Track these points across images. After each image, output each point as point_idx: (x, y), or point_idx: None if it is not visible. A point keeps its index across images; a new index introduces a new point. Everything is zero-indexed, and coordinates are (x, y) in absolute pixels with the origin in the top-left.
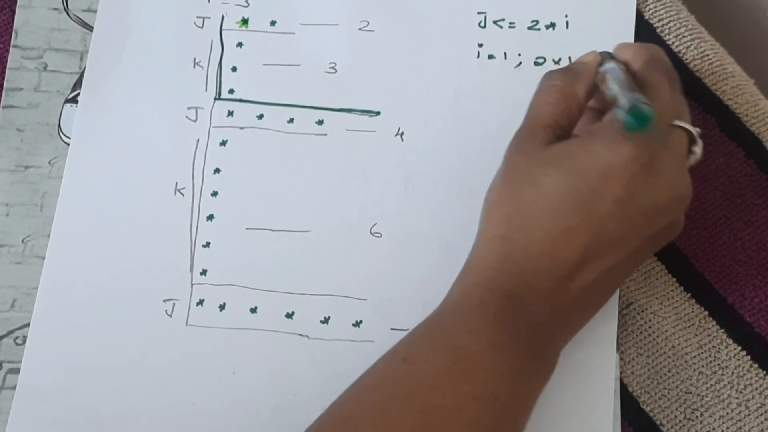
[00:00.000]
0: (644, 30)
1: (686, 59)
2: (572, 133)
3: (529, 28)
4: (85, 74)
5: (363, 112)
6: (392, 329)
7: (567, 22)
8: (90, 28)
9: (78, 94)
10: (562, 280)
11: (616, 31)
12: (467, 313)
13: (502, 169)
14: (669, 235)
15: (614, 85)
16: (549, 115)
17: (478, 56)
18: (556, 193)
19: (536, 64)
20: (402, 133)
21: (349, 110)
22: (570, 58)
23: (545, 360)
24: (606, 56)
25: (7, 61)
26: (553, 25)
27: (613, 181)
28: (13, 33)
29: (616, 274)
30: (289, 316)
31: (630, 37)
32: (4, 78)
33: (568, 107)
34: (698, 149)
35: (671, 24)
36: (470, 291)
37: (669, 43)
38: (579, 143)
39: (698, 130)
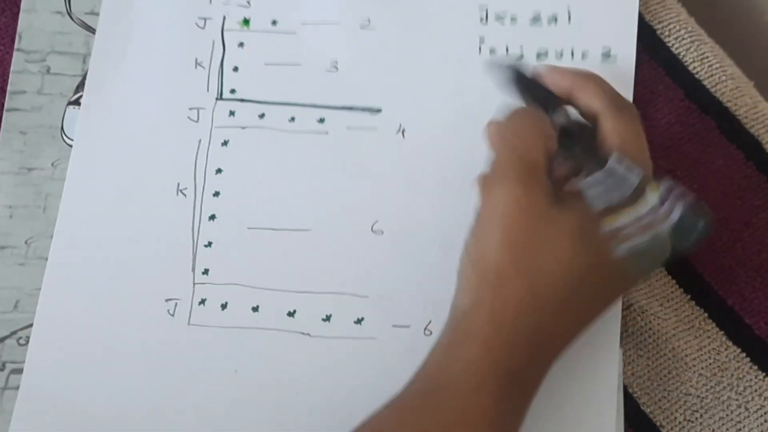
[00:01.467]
0: (644, 32)
1: (686, 61)
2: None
3: (531, 22)
4: (88, 77)
5: (364, 109)
6: (394, 326)
7: (569, 16)
8: (92, 30)
9: (81, 96)
10: (563, 344)
11: (618, 23)
12: (468, 395)
13: (497, 224)
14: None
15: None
16: (540, 150)
17: (480, 51)
18: (574, 271)
19: (538, 58)
20: (403, 130)
21: (351, 108)
22: (572, 51)
23: (523, 418)
24: (527, 97)
25: (9, 63)
26: (555, 18)
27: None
28: (17, 36)
29: (598, 316)
30: (291, 314)
31: (633, 29)
32: (6, 81)
33: (548, 146)
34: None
35: (671, 26)
36: (472, 370)
37: (669, 45)
38: (587, 212)
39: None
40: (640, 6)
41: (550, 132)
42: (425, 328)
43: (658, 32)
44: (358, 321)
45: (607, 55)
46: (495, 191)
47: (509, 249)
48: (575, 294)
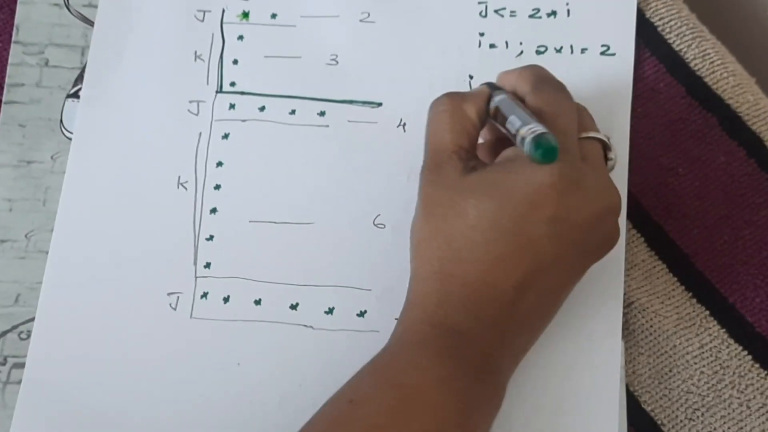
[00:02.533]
0: (645, 29)
1: (687, 58)
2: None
3: (530, 16)
4: (87, 69)
5: (365, 103)
6: (396, 319)
7: (568, 10)
8: (91, 23)
9: (80, 89)
10: (506, 305)
11: (617, 17)
12: (411, 349)
13: (420, 204)
14: (605, 246)
15: (512, 119)
16: (449, 140)
17: (480, 45)
18: (484, 222)
19: (538, 52)
20: (404, 124)
21: (351, 101)
22: (572, 47)
23: (495, 388)
24: (492, 88)
25: (7, 58)
26: (554, 13)
27: (542, 201)
28: (14, 29)
29: (557, 292)
30: (294, 307)
31: (631, 24)
32: (5, 75)
33: (464, 129)
34: (613, 155)
35: (672, 23)
36: (413, 328)
37: (670, 41)
38: (500, 169)
39: (607, 135)
40: (641, 2)
41: (467, 116)
42: None
43: (660, 29)
44: (361, 314)
45: (605, 52)
46: (420, 181)
47: (427, 220)
48: (494, 245)
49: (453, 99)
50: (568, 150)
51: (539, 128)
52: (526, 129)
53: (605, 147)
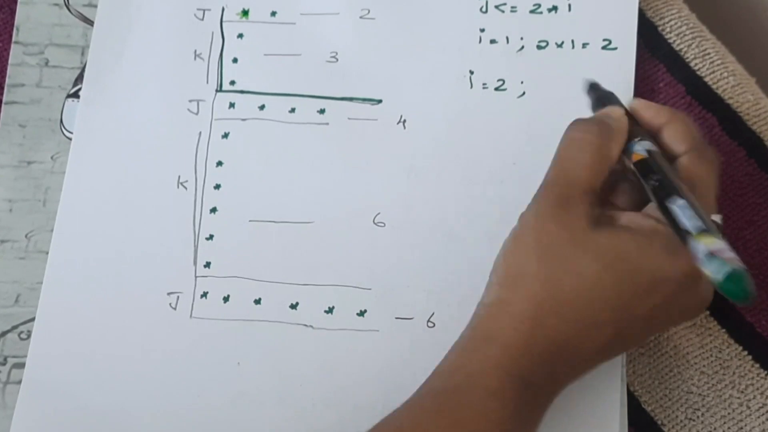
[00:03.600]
0: (646, 28)
1: (687, 58)
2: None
3: (531, 11)
4: (87, 69)
5: (365, 100)
6: (396, 318)
7: (569, 5)
8: (91, 23)
9: (80, 89)
10: (579, 365)
11: (618, 12)
12: (484, 398)
13: (534, 235)
14: (680, 323)
15: (679, 204)
16: (586, 178)
17: (480, 41)
18: (597, 289)
19: (539, 47)
20: (404, 121)
21: (351, 99)
22: (573, 41)
23: (538, 424)
24: (630, 119)
25: (7, 58)
26: (555, 8)
27: (660, 291)
28: (14, 29)
29: (624, 350)
30: (294, 306)
31: (633, 18)
32: (5, 76)
33: (604, 169)
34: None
35: (672, 22)
36: (489, 372)
37: (670, 41)
38: (632, 242)
39: (722, 217)
40: (640, 2)
41: (608, 157)
42: (428, 320)
43: (660, 28)
44: (361, 313)
45: (607, 46)
46: (537, 203)
47: (537, 258)
48: (597, 313)
49: (602, 131)
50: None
51: (728, 253)
52: (708, 240)
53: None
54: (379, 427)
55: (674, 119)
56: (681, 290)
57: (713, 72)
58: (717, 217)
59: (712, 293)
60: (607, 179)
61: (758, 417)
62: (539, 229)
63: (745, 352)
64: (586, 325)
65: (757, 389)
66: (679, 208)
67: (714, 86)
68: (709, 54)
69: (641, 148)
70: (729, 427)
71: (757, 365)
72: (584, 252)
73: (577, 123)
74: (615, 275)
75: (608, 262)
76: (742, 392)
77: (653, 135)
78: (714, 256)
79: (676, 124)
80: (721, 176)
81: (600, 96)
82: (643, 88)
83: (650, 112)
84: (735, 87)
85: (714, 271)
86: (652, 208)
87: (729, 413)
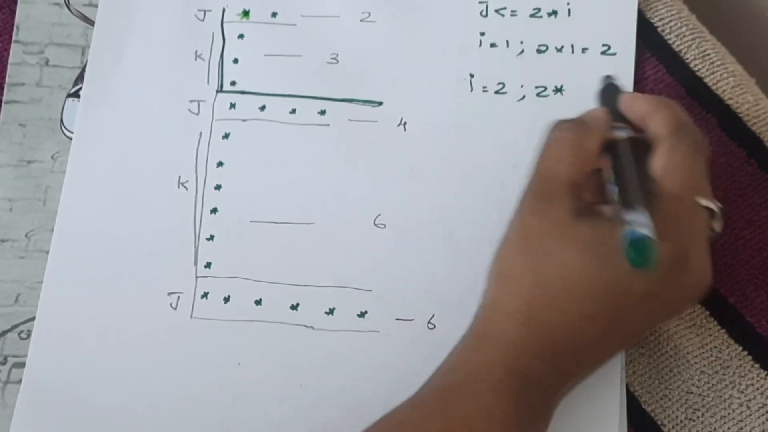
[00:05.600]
0: (645, 29)
1: (687, 59)
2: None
3: (531, 15)
4: (87, 68)
5: (365, 102)
6: (397, 319)
7: (569, 10)
8: (91, 22)
9: (80, 88)
10: (578, 360)
11: (618, 17)
12: (484, 394)
13: (519, 232)
14: (680, 313)
15: (618, 188)
16: (566, 174)
17: (480, 45)
18: (584, 280)
19: (538, 51)
20: (405, 123)
21: (351, 100)
22: (573, 45)
23: (546, 426)
24: (612, 113)
25: (7, 58)
26: (555, 12)
27: (645, 277)
28: (15, 28)
29: (624, 344)
30: (294, 307)
31: (632, 24)
32: (5, 75)
33: (583, 165)
34: (718, 227)
35: (672, 23)
36: (488, 368)
37: (670, 42)
38: (614, 230)
39: (720, 205)
40: (641, 3)
41: (588, 153)
42: (428, 322)
43: (659, 29)
44: (362, 314)
45: (606, 51)
46: (521, 202)
47: (522, 253)
48: (587, 304)
49: (577, 128)
50: (683, 226)
51: (643, 226)
52: (629, 216)
53: (712, 215)
54: (380, 423)
55: (658, 106)
56: (669, 274)
57: (713, 73)
58: (710, 203)
59: (707, 277)
60: (594, 178)
61: (758, 417)
62: (523, 225)
63: (745, 352)
64: (577, 318)
65: (757, 389)
66: (614, 191)
67: (714, 87)
68: (708, 55)
69: (614, 133)
70: (729, 427)
71: (757, 365)
72: (568, 242)
73: (557, 123)
74: (598, 264)
75: (591, 252)
76: (742, 392)
77: (641, 125)
78: (629, 226)
79: (659, 110)
80: (709, 158)
81: (603, 89)
82: (643, 89)
83: (636, 102)
84: (735, 88)
85: (624, 248)
86: None
87: (729, 413)
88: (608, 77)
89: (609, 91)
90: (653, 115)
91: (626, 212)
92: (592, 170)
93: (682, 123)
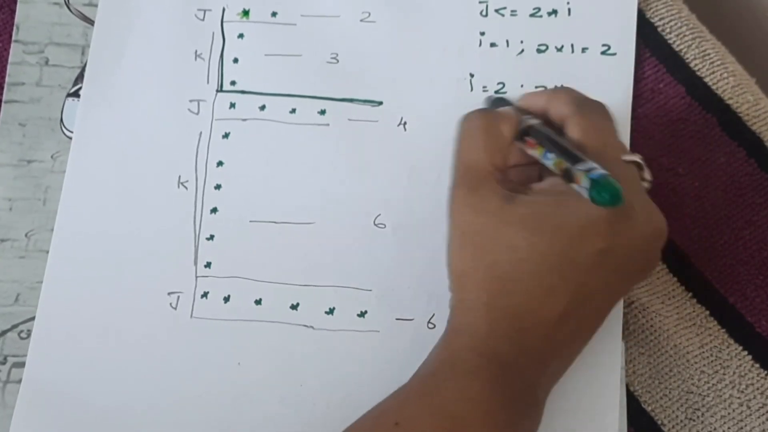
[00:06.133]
0: (645, 29)
1: (687, 58)
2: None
3: (531, 15)
4: (87, 68)
5: (365, 101)
6: (397, 319)
7: (569, 9)
8: (91, 22)
9: (80, 88)
10: (550, 334)
11: (618, 17)
12: (460, 378)
13: (456, 232)
14: (648, 269)
15: (556, 158)
16: (485, 160)
17: (480, 44)
18: (535, 255)
19: (539, 51)
20: (405, 123)
21: (351, 100)
22: (572, 45)
23: (536, 415)
24: (517, 110)
25: (7, 58)
26: (555, 12)
27: (594, 234)
28: (14, 28)
29: (599, 316)
30: (294, 307)
31: (632, 23)
32: (5, 74)
33: (500, 148)
34: (648, 176)
35: (672, 23)
36: (461, 355)
37: (670, 42)
38: (550, 201)
39: (640, 156)
40: (641, 3)
41: (504, 138)
42: (428, 321)
43: (660, 29)
44: (362, 314)
45: (606, 51)
46: (453, 200)
47: (466, 248)
48: (542, 278)
49: (486, 116)
50: (618, 180)
51: (598, 169)
52: (581, 168)
53: (639, 167)
54: (366, 415)
55: (554, 93)
56: (616, 230)
57: (713, 72)
58: (634, 156)
59: (658, 225)
60: (507, 159)
61: (758, 417)
62: (461, 220)
63: (745, 352)
64: (537, 293)
65: (757, 389)
66: (550, 157)
67: (714, 87)
68: (708, 54)
69: (526, 123)
70: (729, 427)
71: (757, 365)
72: (507, 226)
73: (467, 114)
74: (544, 236)
75: (534, 227)
76: (742, 392)
77: (545, 118)
78: (578, 176)
79: (556, 95)
80: (606, 113)
81: (491, 104)
82: (642, 88)
83: (532, 97)
84: (735, 87)
85: (589, 193)
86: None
87: (729, 413)
88: (491, 97)
89: (499, 103)
90: (552, 101)
91: (576, 166)
92: (509, 155)
93: (580, 98)
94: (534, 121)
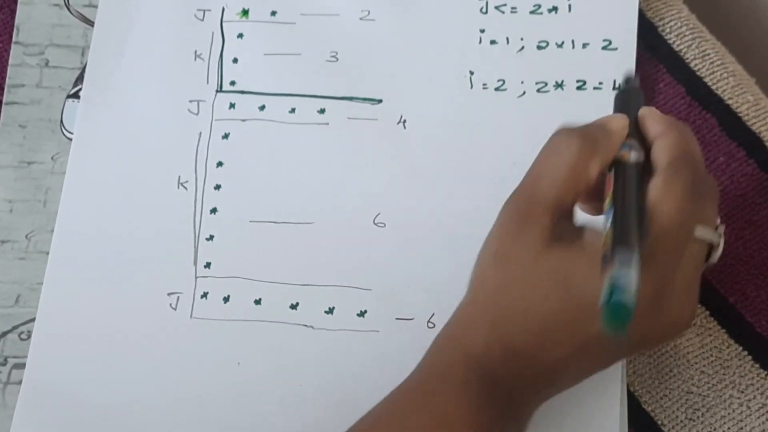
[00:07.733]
0: (645, 29)
1: (687, 58)
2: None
3: (531, 12)
4: (87, 69)
5: (365, 100)
6: (397, 319)
7: (569, 6)
8: (91, 23)
9: (80, 89)
10: (545, 373)
11: (618, 12)
12: (454, 387)
13: (493, 247)
14: (657, 345)
15: (610, 225)
16: (554, 196)
17: (480, 42)
18: (547, 309)
19: (539, 48)
20: (404, 121)
21: (351, 98)
22: (573, 41)
23: (522, 426)
24: (630, 128)
25: (7, 59)
26: (555, 8)
27: None
28: (15, 30)
29: (597, 367)
30: (294, 307)
31: (633, 18)
32: (5, 76)
33: (577, 187)
34: (716, 258)
35: (672, 23)
36: (455, 367)
37: (670, 42)
38: (582, 261)
39: (720, 234)
40: (640, 3)
41: (584, 175)
42: (428, 321)
43: (660, 29)
44: (361, 313)
45: (607, 46)
46: (501, 216)
47: (492, 267)
48: (549, 329)
49: (585, 144)
50: (662, 265)
51: (628, 277)
52: (616, 258)
53: (712, 246)
54: (360, 421)
55: (667, 130)
56: (638, 315)
57: (713, 72)
58: (709, 235)
59: (685, 318)
60: (579, 197)
61: (758, 417)
62: (498, 242)
63: (745, 352)
64: (539, 338)
65: (757, 389)
66: (614, 218)
67: (714, 87)
68: (708, 54)
69: (623, 153)
70: (729, 427)
71: (757, 365)
72: (532, 272)
73: (562, 132)
74: (562, 294)
75: (557, 281)
76: (742, 392)
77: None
78: (614, 277)
79: (666, 134)
80: (703, 183)
81: (623, 92)
82: (642, 88)
83: (650, 121)
84: (735, 87)
85: (605, 291)
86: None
87: (729, 413)
88: (629, 79)
89: (629, 98)
90: (660, 138)
91: (617, 250)
92: (585, 193)
93: (684, 154)
94: (631, 158)
